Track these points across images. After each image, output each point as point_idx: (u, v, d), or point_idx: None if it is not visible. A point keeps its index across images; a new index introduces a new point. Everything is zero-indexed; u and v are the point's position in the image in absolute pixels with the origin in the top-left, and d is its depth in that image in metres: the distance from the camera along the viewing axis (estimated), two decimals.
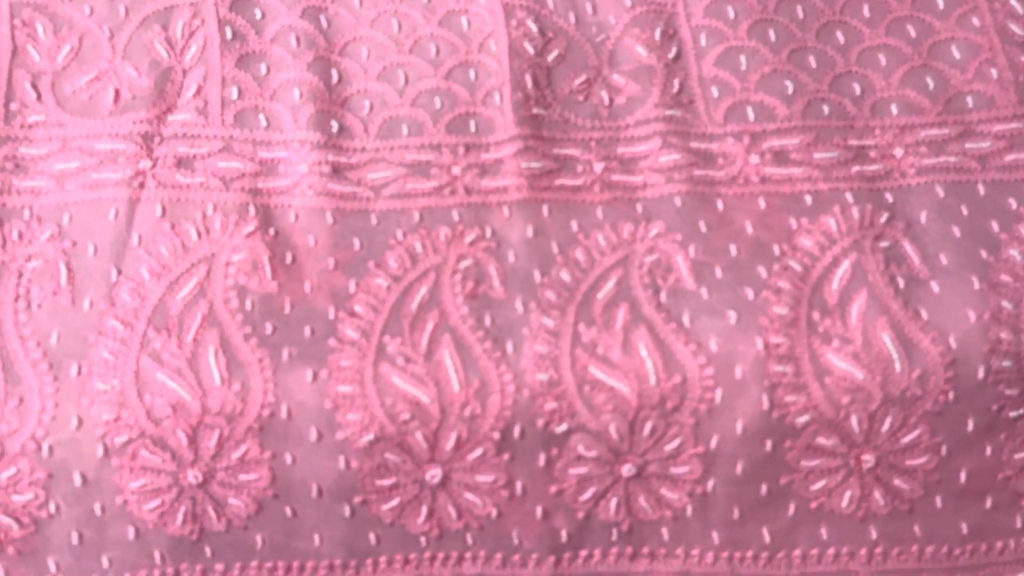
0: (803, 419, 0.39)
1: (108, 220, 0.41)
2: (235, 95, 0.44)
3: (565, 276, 0.40)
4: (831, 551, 0.41)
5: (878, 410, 0.39)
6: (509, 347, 0.39)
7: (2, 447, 0.38)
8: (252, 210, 0.42)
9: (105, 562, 0.39)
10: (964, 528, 0.41)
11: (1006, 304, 0.39)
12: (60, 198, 0.42)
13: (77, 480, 0.38)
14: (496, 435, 0.38)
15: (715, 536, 0.40)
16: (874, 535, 0.40)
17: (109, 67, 0.45)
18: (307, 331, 0.39)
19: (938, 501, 0.40)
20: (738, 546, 0.40)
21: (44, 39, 0.45)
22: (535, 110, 0.44)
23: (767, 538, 0.40)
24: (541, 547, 0.40)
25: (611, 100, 0.45)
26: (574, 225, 0.41)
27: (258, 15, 0.46)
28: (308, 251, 0.41)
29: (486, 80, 0.45)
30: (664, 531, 0.40)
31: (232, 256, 0.40)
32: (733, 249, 0.41)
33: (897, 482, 0.40)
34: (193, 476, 0.38)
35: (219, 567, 0.39)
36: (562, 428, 0.38)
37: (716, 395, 0.38)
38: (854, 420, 0.39)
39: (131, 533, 0.39)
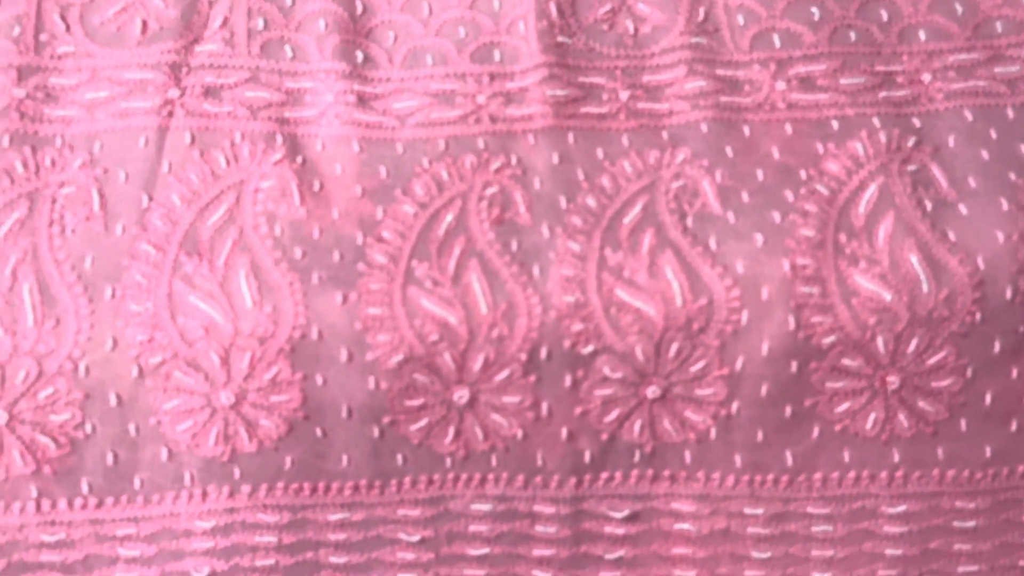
0: (829, 340, 0.38)
1: (138, 148, 0.41)
2: (261, 26, 0.44)
3: (591, 202, 0.40)
4: (852, 474, 0.40)
5: (904, 331, 0.38)
6: (536, 271, 0.39)
7: (40, 367, 0.38)
8: (279, 139, 0.41)
9: (137, 483, 0.39)
10: (988, 452, 0.40)
11: None
12: (91, 126, 0.41)
13: (112, 400, 0.38)
14: (523, 356, 0.38)
15: (737, 459, 0.40)
16: (896, 458, 0.40)
17: None
18: (336, 256, 0.39)
19: (963, 424, 0.40)
20: (759, 469, 0.40)
21: None
22: (559, 39, 0.43)
23: (789, 461, 0.40)
24: (564, 469, 0.40)
25: (636, 29, 0.44)
26: (600, 152, 0.41)
27: None
28: (335, 179, 0.41)
29: (510, 10, 0.44)
30: (687, 454, 0.40)
31: (261, 183, 0.40)
32: (760, 174, 0.40)
33: (922, 404, 0.39)
34: (225, 397, 0.38)
35: (246, 488, 0.39)
36: (588, 349, 0.38)
37: (742, 316, 0.38)
38: (880, 341, 0.38)
39: (164, 454, 0.39)
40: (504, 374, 0.38)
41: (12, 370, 0.38)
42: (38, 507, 0.39)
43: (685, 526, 0.41)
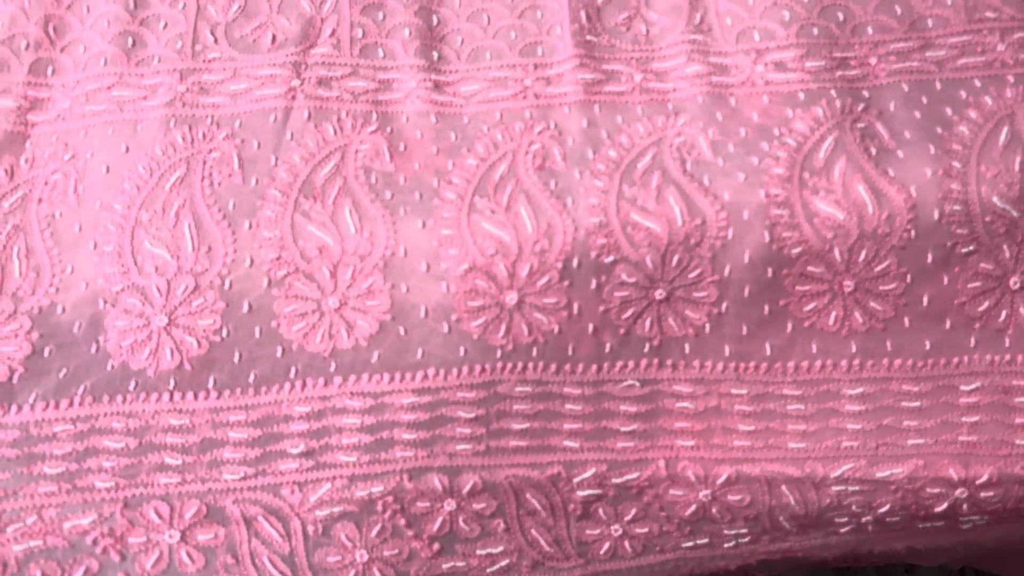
0: (797, 250, 0.45)
1: (269, 123, 0.49)
2: (360, 35, 0.53)
3: (612, 153, 0.48)
4: (819, 362, 0.46)
5: (855, 243, 0.45)
6: (569, 201, 0.46)
7: (197, 282, 0.46)
8: (375, 116, 0.50)
9: (251, 377, 0.45)
10: (928, 344, 0.46)
11: (956, 164, 0.46)
12: (233, 109, 0.50)
13: (245, 308, 0.45)
14: (559, 265, 0.45)
15: (726, 349, 0.46)
16: (854, 349, 0.46)
17: (267, 18, 0.53)
18: (417, 195, 0.47)
19: (906, 321, 0.46)
20: (744, 357, 0.46)
21: (220, 1, 0.55)
22: (588, 37, 0.52)
23: (768, 351, 0.46)
24: (588, 357, 0.46)
25: (647, 30, 0.52)
26: (619, 119, 0.49)
27: None
28: (416, 142, 0.49)
29: (550, 17, 0.53)
30: (686, 346, 0.46)
31: (360, 146, 0.49)
32: (743, 131, 0.47)
33: (872, 304, 0.46)
34: (333, 301, 0.46)
35: (338, 379, 0.45)
36: (609, 259, 0.46)
37: (729, 233, 0.45)
38: (836, 251, 0.45)
39: (278, 351, 0.45)
40: (544, 279, 0.46)
41: (175, 284, 0.46)
42: (171, 397, 0.45)
43: (685, 404, 0.47)
